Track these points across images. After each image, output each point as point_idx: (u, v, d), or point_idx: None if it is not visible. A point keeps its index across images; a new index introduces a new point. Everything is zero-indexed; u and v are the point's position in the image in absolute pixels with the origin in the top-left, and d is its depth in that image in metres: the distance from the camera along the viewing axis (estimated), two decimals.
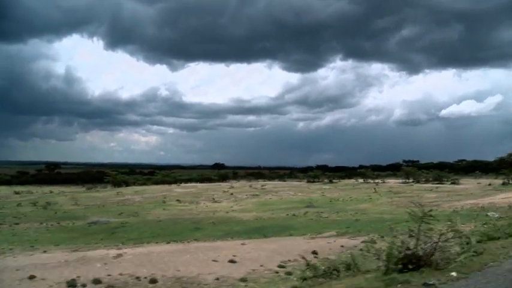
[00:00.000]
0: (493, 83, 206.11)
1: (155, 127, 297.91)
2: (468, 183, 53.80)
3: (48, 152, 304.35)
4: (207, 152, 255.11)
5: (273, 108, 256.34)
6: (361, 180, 64.75)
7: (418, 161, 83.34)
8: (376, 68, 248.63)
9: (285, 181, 76.43)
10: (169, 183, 67.72)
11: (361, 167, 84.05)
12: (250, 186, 56.31)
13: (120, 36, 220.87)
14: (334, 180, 66.66)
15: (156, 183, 66.77)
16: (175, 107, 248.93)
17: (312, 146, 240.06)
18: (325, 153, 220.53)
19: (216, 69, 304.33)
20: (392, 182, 63.19)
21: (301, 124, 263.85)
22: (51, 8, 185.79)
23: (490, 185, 47.55)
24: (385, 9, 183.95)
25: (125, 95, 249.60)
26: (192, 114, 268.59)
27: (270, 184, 60.16)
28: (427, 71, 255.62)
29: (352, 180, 67.12)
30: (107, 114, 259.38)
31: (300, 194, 43.06)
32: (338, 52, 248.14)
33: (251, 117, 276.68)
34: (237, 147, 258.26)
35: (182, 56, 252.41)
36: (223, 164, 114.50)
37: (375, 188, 44.90)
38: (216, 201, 33.95)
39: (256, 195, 41.03)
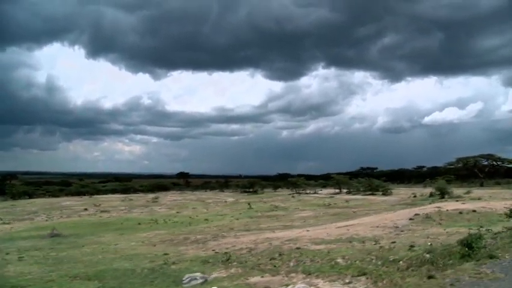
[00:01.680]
0: (474, 90, 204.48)
1: (139, 136, 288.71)
2: (397, 195, 46.67)
3: (30, 162, 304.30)
4: (191, 161, 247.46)
5: (256, 117, 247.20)
6: (294, 191, 58.14)
7: (376, 168, 76.06)
8: (358, 76, 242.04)
9: (223, 191, 70.30)
10: (90, 194, 62.97)
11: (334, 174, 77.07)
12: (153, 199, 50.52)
13: (101, 45, 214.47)
14: (266, 190, 60.12)
15: (71, 194, 61.76)
16: (158, 116, 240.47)
17: (296, 154, 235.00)
18: (310, 161, 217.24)
19: (198, 78, 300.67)
20: (325, 192, 56.46)
21: (285, 132, 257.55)
22: (30, 15, 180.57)
23: (415, 196, 41.04)
24: (367, 17, 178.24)
25: (107, 104, 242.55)
26: (175, 123, 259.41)
27: (182, 196, 54.28)
28: (409, 78, 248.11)
29: (287, 191, 60.46)
30: (90, 124, 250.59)
31: (174, 209, 37.00)
32: (320, 60, 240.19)
33: (235, 126, 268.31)
34: (221, 155, 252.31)
35: (164, 64, 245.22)
36: (187, 173, 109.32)
37: (249, 203, 38.19)
38: (4, 223, 28.12)
39: (106, 211, 35.13)
